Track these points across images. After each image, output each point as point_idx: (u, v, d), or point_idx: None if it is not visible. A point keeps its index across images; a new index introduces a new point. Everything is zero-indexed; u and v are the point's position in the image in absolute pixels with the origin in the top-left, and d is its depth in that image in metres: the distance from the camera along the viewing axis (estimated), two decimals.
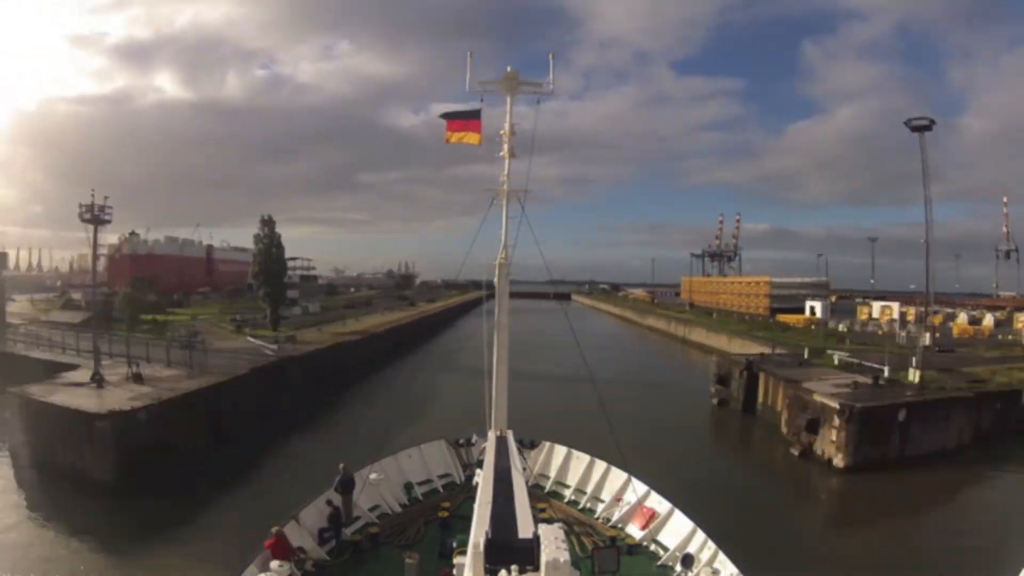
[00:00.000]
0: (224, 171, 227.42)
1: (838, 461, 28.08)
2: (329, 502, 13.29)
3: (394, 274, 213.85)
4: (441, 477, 16.53)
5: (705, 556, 11.83)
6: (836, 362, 41.45)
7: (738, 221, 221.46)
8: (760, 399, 38.82)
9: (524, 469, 12.50)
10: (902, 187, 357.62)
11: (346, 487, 13.91)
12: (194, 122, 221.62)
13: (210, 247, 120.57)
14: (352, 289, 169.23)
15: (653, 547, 12.98)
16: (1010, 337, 62.02)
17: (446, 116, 14.40)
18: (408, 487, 15.73)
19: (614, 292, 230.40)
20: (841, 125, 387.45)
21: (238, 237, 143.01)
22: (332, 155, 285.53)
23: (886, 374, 34.41)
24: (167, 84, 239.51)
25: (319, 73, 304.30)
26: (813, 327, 69.44)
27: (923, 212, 37.47)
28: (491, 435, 13.51)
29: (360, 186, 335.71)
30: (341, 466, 14.24)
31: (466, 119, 14.24)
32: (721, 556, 11.58)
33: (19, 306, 68.18)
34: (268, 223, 56.05)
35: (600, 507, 15.02)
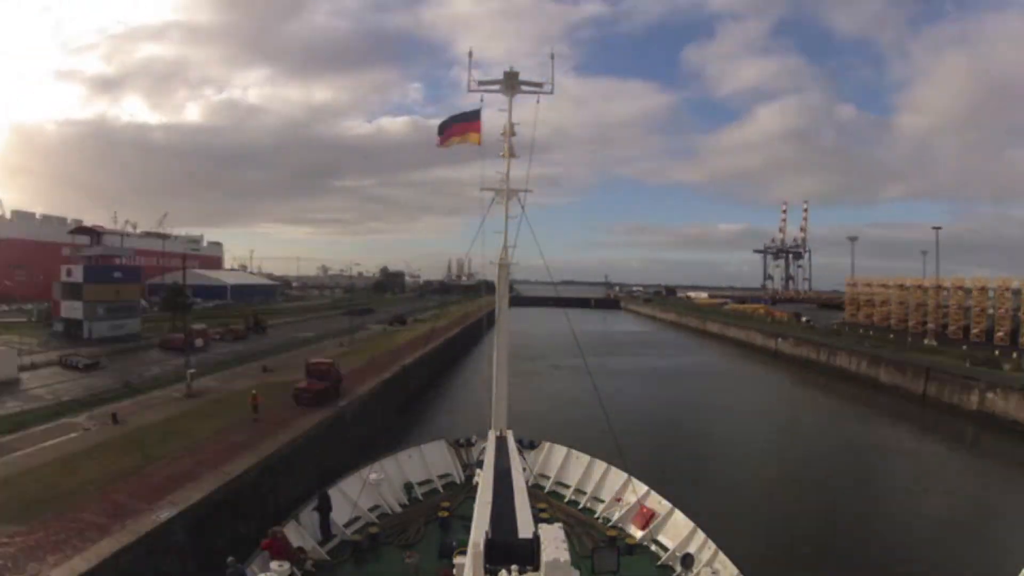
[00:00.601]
0: (200, 178, 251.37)
1: None
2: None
3: (389, 272, 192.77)
4: (441, 477, 16.54)
5: (705, 556, 11.82)
6: None
7: (805, 211, 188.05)
8: None
9: (524, 469, 12.50)
10: (867, 186, 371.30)
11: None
12: (166, 138, 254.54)
13: (94, 230, 67.37)
14: (318, 292, 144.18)
15: (653, 547, 12.98)
16: None
17: (443, 124, 14.54)
18: (408, 487, 15.73)
19: (672, 297, 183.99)
20: (767, 124, 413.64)
21: (216, 238, 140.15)
22: (302, 163, 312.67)
23: None
24: (137, 109, 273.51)
25: (265, 97, 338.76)
26: None
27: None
28: (491, 435, 13.53)
29: (338, 190, 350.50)
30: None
31: (466, 121, 14.29)
32: (721, 556, 11.58)
33: None
34: None
35: (600, 507, 15.02)
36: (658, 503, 13.91)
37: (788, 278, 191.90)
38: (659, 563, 12.40)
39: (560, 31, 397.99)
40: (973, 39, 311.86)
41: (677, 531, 12.92)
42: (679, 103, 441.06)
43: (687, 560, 11.75)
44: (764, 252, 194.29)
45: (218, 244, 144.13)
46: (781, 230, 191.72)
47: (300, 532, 12.18)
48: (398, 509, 14.82)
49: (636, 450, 21.67)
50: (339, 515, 13.34)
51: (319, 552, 12.16)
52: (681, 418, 37.86)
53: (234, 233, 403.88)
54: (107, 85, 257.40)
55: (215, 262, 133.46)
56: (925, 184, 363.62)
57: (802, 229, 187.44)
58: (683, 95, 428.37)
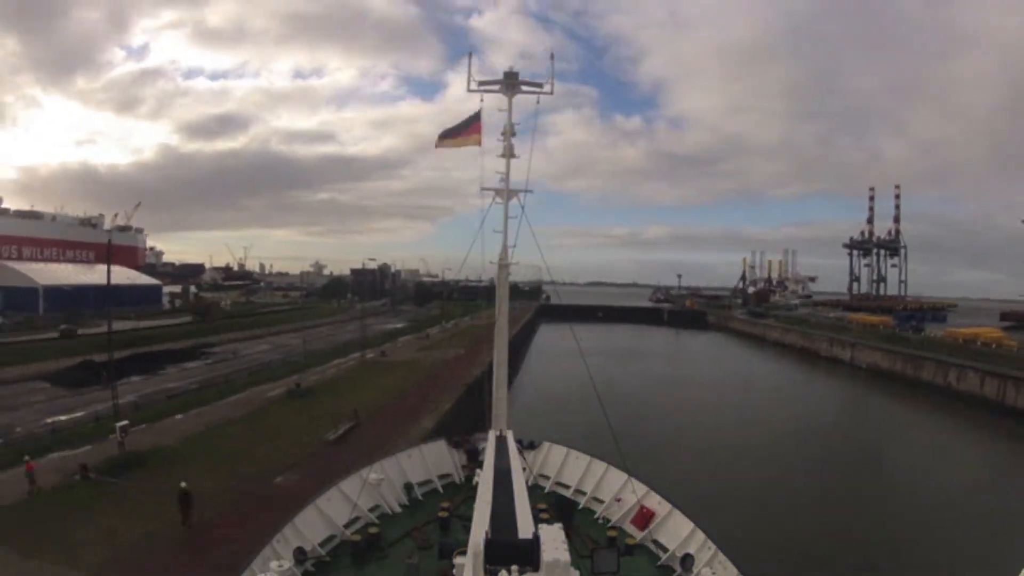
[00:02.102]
0: (166, 196, 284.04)
1: None
2: None
3: (363, 271, 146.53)
4: (441, 477, 16.52)
5: (705, 556, 11.77)
6: None
7: (897, 197, 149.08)
8: None
9: (524, 469, 12.52)
10: (745, 189, 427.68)
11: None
12: (127, 172, 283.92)
13: None
14: (283, 293, 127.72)
15: (653, 547, 12.95)
16: None
17: (443, 134, 14.71)
18: (408, 487, 15.72)
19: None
20: (568, 136, 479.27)
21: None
22: (230, 183, 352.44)
23: None
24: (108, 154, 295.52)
25: (191, 149, 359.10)
26: None
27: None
28: (491, 435, 13.59)
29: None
30: None
31: (466, 126, 14.42)
32: (721, 556, 11.52)
33: None
34: None
35: (600, 507, 14.99)
36: (658, 503, 13.84)
37: (880, 279, 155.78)
38: (659, 563, 12.38)
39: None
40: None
41: (677, 531, 12.86)
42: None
43: (687, 560, 11.69)
44: (851, 247, 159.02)
45: (131, 230, 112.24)
46: (869, 220, 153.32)
47: (300, 532, 12.29)
48: (398, 509, 14.85)
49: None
50: (339, 515, 13.35)
51: (319, 552, 12.27)
52: None
53: (230, 236, 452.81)
54: (83, 142, 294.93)
55: (124, 254, 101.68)
56: (811, 183, 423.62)
57: (895, 220, 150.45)
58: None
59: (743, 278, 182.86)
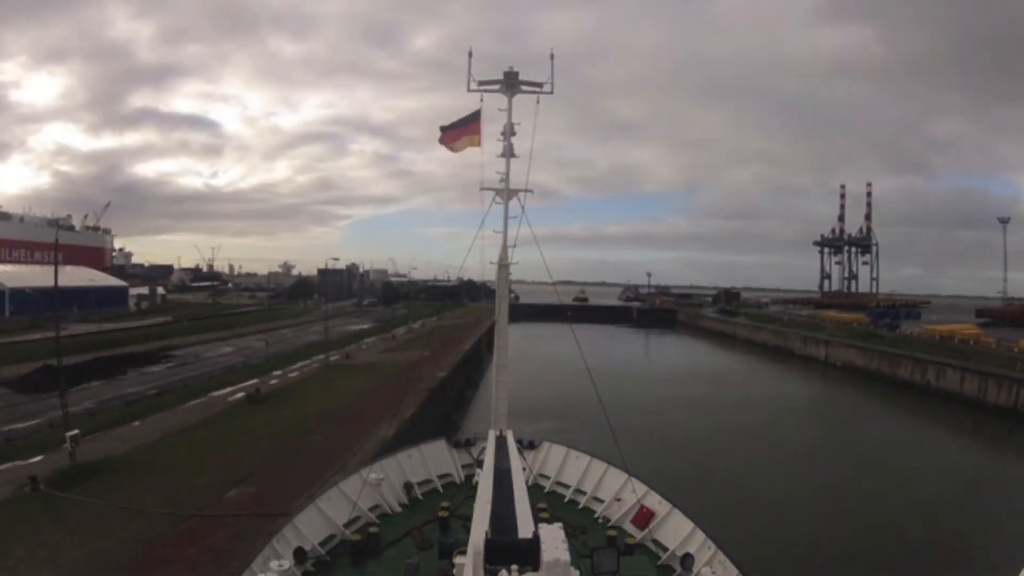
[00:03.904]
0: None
1: None
2: None
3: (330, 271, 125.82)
4: (441, 477, 16.45)
5: (705, 556, 11.76)
6: None
7: (869, 195, 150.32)
8: None
9: (524, 469, 12.46)
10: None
11: None
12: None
13: None
14: (250, 294, 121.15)
15: (653, 547, 12.93)
16: None
17: (444, 128, 14.58)
18: (408, 487, 15.66)
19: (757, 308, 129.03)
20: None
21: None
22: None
23: None
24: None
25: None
26: None
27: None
28: (491, 435, 13.56)
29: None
30: None
31: (465, 124, 14.35)
32: (721, 556, 11.52)
33: None
34: None
35: (600, 507, 14.97)
36: (658, 503, 13.83)
37: (851, 276, 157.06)
38: (659, 563, 12.37)
39: None
40: None
41: (677, 531, 12.85)
42: None
43: (687, 560, 11.71)
44: (822, 245, 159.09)
45: (98, 231, 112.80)
46: (840, 218, 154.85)
47: (300, 532, 12.14)
48: (398, 509, 14.79)
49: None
50: (339, 515, 13.26)
51: (319, 552, 12.13)
52: None
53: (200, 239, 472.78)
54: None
55: (90, 254, 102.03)
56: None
57: (867, 217, 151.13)
58: None
59: None
